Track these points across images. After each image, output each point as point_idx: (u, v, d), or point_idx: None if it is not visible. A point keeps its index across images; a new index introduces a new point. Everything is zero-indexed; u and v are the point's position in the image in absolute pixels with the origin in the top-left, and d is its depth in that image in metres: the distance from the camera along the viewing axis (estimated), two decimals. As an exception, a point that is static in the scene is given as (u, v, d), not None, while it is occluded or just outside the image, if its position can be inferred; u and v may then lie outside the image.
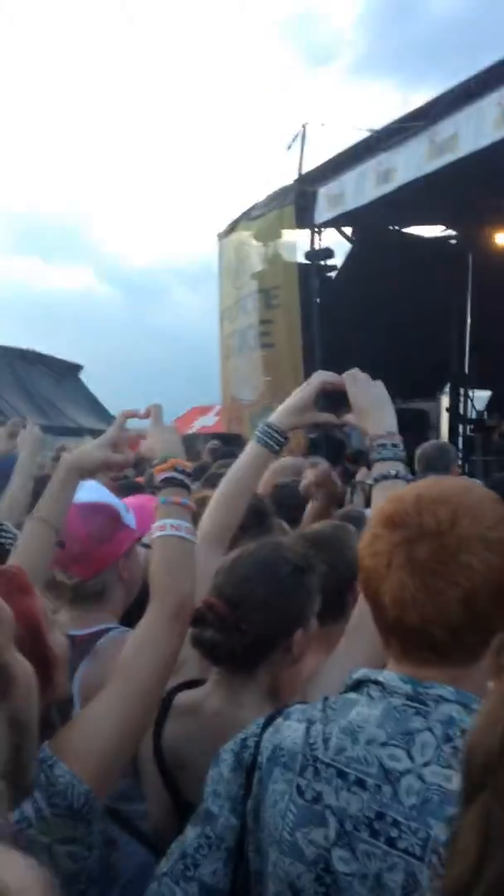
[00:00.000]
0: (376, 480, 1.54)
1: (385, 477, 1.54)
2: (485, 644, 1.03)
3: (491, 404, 12.96)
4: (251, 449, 1.76)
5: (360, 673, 1.12)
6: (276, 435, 1.73)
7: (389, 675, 1.08)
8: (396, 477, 1.54)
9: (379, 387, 1.68)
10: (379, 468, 1.56)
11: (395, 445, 1.58)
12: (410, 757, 1.01)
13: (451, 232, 12.67)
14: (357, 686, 1.11)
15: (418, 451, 4.60)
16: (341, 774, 1.04)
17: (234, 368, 12.63)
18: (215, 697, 1.53)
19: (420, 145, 8.83)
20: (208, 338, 13.45)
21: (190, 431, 13.05)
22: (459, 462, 10.28)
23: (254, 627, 1.48)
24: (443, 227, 12.63)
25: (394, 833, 0.98)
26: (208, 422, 14.26)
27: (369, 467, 1.63)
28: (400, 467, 1.56)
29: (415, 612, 1.02)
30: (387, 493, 1.45)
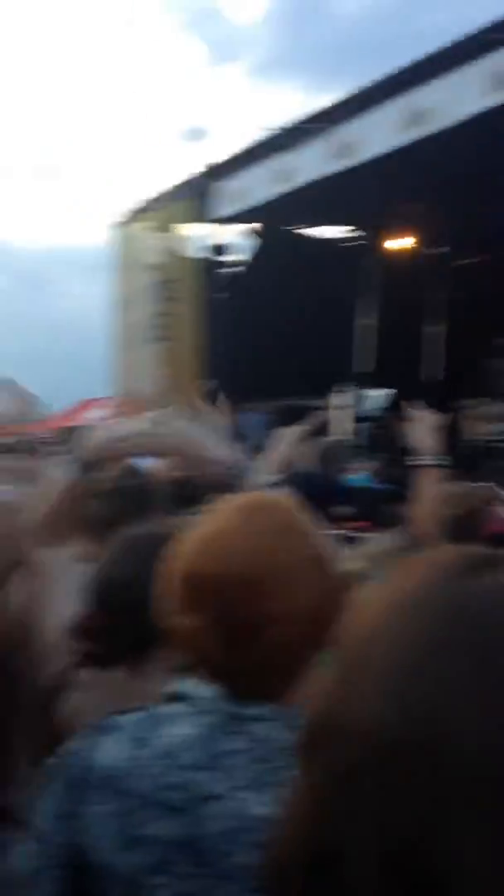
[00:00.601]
0: None
1: None
2: (304, 669, 1.05)
3: (391, 403, 13.27)
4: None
5: (178, 686, 1.10)
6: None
7: (206, 692, 1.07)
8: None
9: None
10: None
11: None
12: (222, 780, 1.01)
13: (355, 233, 12.87)
14: (176, 698, 1.09)
15: (316, 448, 4.67)
16: (157, 801, 1.02)
17: (131, 361, 12.50)
18: (119, 670, 1.50)
19: (322, 147, 8.93)
20: (100, 329, 13.25)
21: (80, 424, 12.83)
22: (358, 459, 10.50)
23: (133, 630, 1.45)
24: (346, 228, 12.82)
25: (209, 857, 0.99)
26: (103, 415, 14.05)
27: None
28: None
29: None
30: None
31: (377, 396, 13.58)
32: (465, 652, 0.53)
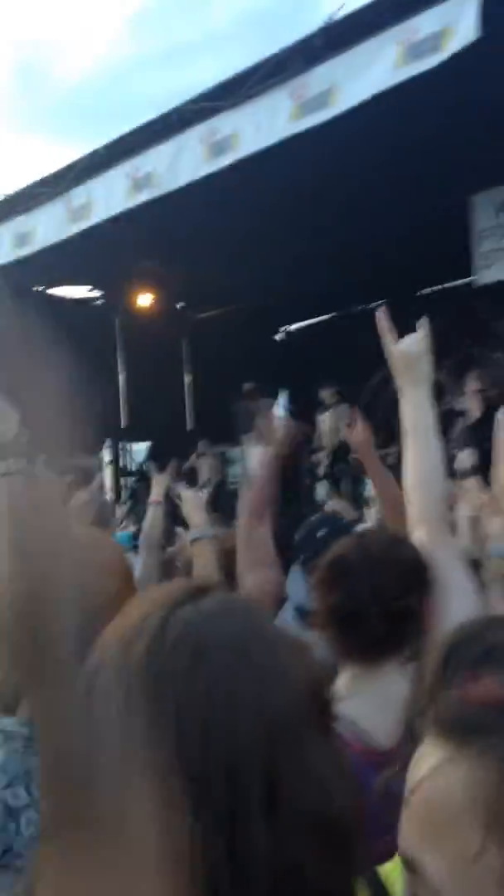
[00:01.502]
0: None
1: None
2: None
3: (150, 454, 13.49)
4: None
5: None
6: None
7: (9, 722, 1.20)
8: None
9: None
10: None
11: None
12: (29, 793, 1.13)
13: (97, 293, 13.04)
14: None
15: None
16: None
17: None
18: None
19: (57, 210, 9.05)
20: None
21: None
22: (124, 512, 10.55)
23: None
24: (88, 288, 12.96)
25: (20, 862, 1.10)
26: None
27: None
28: None
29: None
30: None
31: (137, 450, 13.76)
32: (168, 674, 0.63)
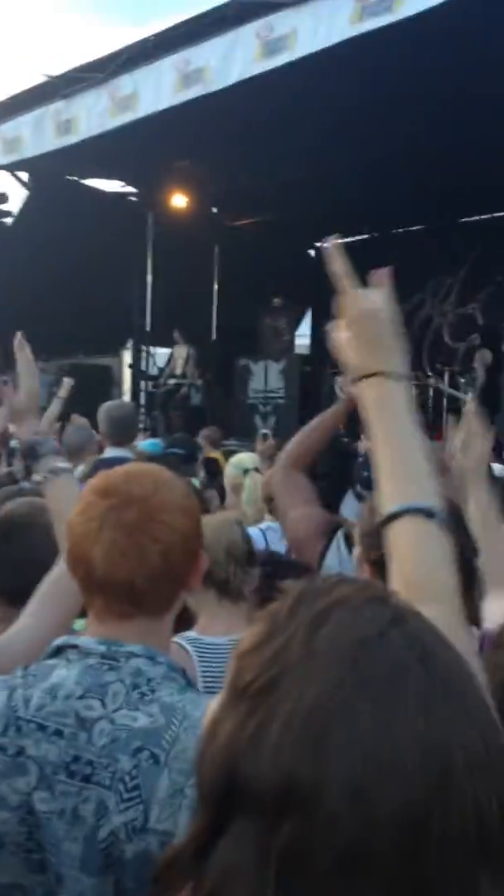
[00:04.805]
0: None
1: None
2: (174, 596, 1.30)
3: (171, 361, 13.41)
4: None
5: (59, 640, 1.29)
6: None
7: (86, 640, 1.27)
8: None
9: None
10: None
11: None
12: (104, 705, 1.19)
13: (132, 189, 12.76)
14: (56, 653, 1.28)
15: (102, 410, 4.65)
16: (41, 728, 1.19)
17: None
18: None
19: (100, 99, 8.79)
20: None
21: None
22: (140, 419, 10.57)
23: None
24: (122, 183, 12.68)
25: (88, 770, 1.16)
26: None
27: None
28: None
29: (124, 565, 1.23)
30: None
31: (158, 355, 13.63)
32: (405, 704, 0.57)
